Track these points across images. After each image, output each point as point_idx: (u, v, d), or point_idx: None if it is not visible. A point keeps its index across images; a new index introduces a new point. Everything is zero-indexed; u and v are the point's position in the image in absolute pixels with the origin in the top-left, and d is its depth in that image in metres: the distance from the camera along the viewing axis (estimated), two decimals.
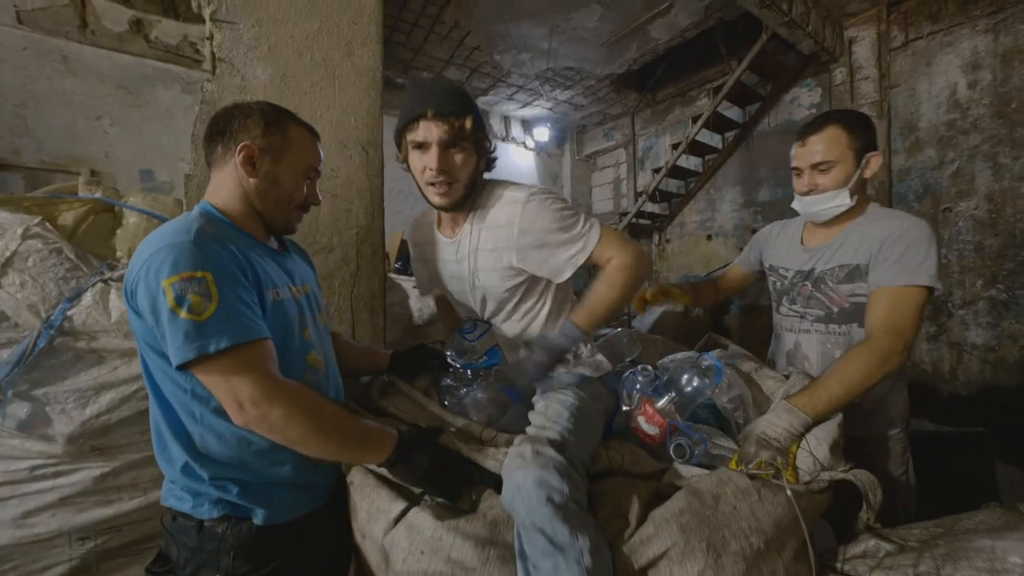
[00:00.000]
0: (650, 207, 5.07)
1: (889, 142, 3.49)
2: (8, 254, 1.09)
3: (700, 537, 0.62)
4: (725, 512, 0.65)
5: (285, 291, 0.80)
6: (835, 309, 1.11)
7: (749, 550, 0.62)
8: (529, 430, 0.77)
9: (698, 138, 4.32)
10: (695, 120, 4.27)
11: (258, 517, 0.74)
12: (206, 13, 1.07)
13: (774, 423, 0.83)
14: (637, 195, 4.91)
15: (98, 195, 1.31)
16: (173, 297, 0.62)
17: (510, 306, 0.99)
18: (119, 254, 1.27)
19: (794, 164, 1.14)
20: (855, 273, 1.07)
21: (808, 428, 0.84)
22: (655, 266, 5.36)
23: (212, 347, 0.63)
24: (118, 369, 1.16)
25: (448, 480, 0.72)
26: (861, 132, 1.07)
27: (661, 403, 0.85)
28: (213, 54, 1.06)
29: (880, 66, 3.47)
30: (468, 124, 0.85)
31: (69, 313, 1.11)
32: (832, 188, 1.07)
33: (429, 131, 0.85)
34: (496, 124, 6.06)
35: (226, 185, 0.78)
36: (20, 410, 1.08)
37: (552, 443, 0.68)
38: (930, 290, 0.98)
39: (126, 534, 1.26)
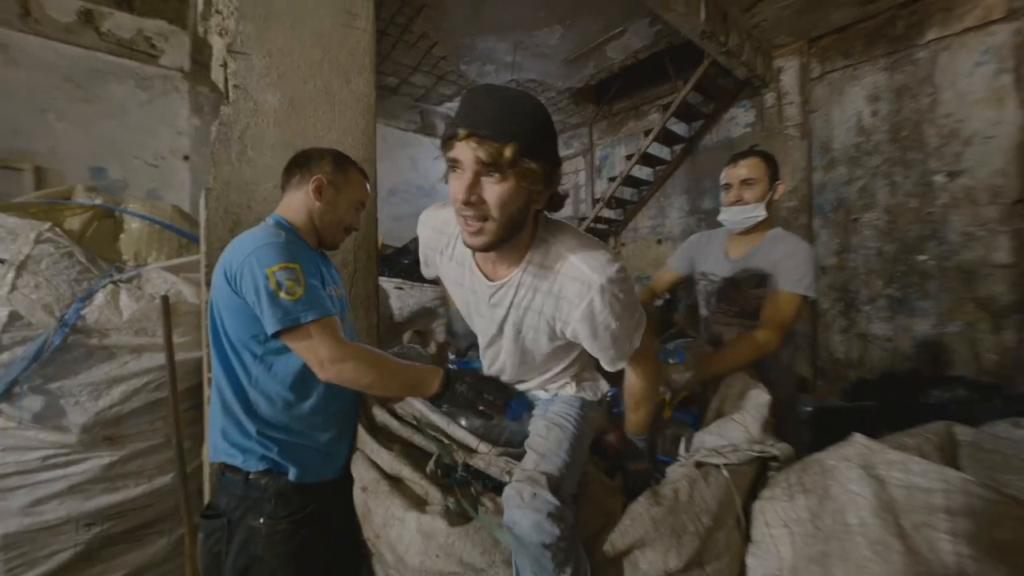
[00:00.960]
0: (607, 213, 5.43)
1: (810, 160, 4.00)
2: (22, 257, 1.16)
3: (665, 524, 0.75)
4: (683, 501, 0.79)
5: (332, 289, 1.01)
6: (748, 308, 1.43)
7: (702, 529, 0.77)
8: (529, 455, 0.83)
9: (649, 150, 4.70)
10: (647, 134, 4.64)
11: (292, 474, 0.91)
12: (222, 43, 1.20)
13: (679, 377, 1.16)
14: (595, 201, 5.25)
15: (99, 201, 1.38)
16: (275, 282, 0.83)
17: (542, 359, 0.93)
18: (125, 257, 1.36)
19: (725, 181, 1.46)
20: (762, 281, 1.39)
21: (697, 381, 1.19)
22: None
23: (303, 319, 0.85)
24: (128, 364, 1.25)
25: (485, 403, 0.93)
26: (773, 165, 1.44)
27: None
28: (227, 80, 1.18)
29: (803, 93, 3.97)
30: (508, 153, 0.66)
31: (82, 312, 1.19)
32: (753, 201, 1.40)
33: (463, 153, 0.69)
34: None
35: (297, 205, 1.01)
36: (35, 403, 1.16)
37: (549, 481, 0.74)
38: (805, 297, 1.34)
39: (129, 519, 1.35)
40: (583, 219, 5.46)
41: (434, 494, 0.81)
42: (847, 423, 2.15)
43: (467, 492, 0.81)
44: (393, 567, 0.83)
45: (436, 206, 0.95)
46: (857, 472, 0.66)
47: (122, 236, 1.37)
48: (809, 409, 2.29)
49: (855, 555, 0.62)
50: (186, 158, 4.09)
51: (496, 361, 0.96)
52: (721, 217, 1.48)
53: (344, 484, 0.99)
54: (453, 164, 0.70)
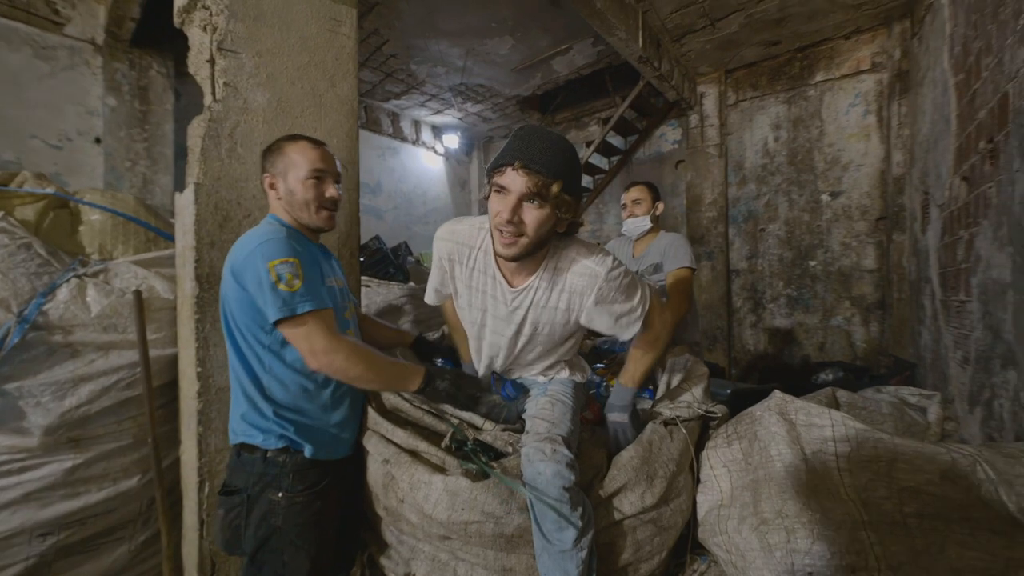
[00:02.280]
0: None
1: (726, 176, 4.57)
2: None
3: (643, 472, 0.95)
4: (655, 452, 0.99)
5: (332, 280, 1.07)
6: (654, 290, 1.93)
7: (668, 473, 0.97)
8: (539, 423, 0.97)
9: (590, 160, 5.06)
10: (588, 144, 4.99)
11: (307, 451, 0.98)
12: (207, 39, 1.20)
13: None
14: None
15: (51, 190, 1.28)
16: (276, 274, 0.89)
17: (551, 347, 1.08)
18: (89, 250, 1.28)
19: (623, 202, 2.06)
20: (657, 268, 1.91)
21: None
22: None
23: (299, 310, 0.91)
24: (95, 362, 1.21)
25: (464, 397, 1.04)
26: (654, 190, 2.03)
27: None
28: (214, 77, 1.19)
29: (720, 117, 4.53)
30: (555, 188, 0.84)
31: (44, 308, 1.13)
32: (641, 215, 1.97)
33: (513, 180, 0.84)
34: (407, 128, 6.18)
35: (274, 206, 1.06)
36: None
37: (564, 441, 0.91)
38: (692, 269, 1.84)
39: (90, 527, 1.29)
40: None
41: (451, 461, 0.93)
42: (757, 402, 2.55)
43: (479, 458, 0.94)
44: (418, 526, 0.95)
45: (451, 222, 1.07)
46: (776, 417, 0.90)
47: (81, 228, 1.28)
48: (728, 392, 2.67)
49: (776, 476, 0.85)
50: (98, 141, 3.67)
51: (500, 355, 1.08)
52: (623, 229, 2.06)
53: (351, 462, 1.09)
54: (499, 188, 0.87)
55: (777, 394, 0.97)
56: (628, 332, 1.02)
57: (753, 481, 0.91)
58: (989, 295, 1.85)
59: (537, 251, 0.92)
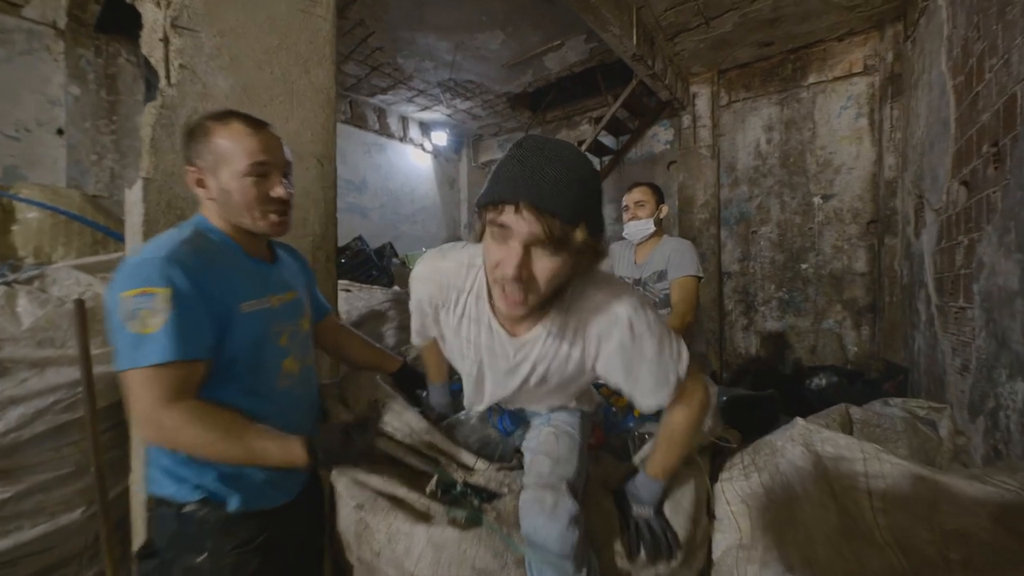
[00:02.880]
0: None
1: (719, 178, 4.53)
2: None
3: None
4: (675, 503, 0.86)
5: (263, 302, 0.84)
6: (656, 300, 1.82)
7: (689, 525, 0.83)
8: (542, 460, 0.82)
9: None
10: (580, 144, 4.90)
11: (233, 503, 0.79)
12: (160, 14, 1.06)
13: None
14: None
15: None
16: (125, 310, 0.68)
17: (563, 391, 0.89)
18: (22, 254, 1.12)
19: (624, 204, 1.92)
20: (662, 275, 1.80)
21: None
22: None
23: (142, 361, 0.68)
24: (28, 381, 1.06)
25: (354, 452, 0.84)
26: (658, 192, 1.91)
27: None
28: (168, 58, 1.06)
29: (713, 118, 4.48)
30: (579, 235, 0.62)
31: None
32: (645, 218, 1.85)
33: (518, 223, 0.61)
34: (394, 124, 6.02)
35: (205, 206, 0.85)
36: None
37: (569, 485, 0.76)
38: (698, 277, 1.75)
39: (23, 568, 1.14)
40: None
41: (436, 508, 0.79)
42: (753, 408, 2.48)
43: (470, 502, 0.80)
44: None
45: (434, 257, 0.84)
46: (800, 449, 0.81)
47: (15, 228, 1.13)
48: (724, 399, 2.60)
49: (802, 517, 0.76)
50: (60, 132, 3.44)
51: (502, 400, 0.89)
52: (624, 232, 1.94)
53: (302, 505, 0.91)
54: (499, 226, 0.62)
55: (800, 423, 0.88)
56: (651, 398, 0.77)
57: (775, 520, 0.81)
58: (993, 302, 1.80)
59: (548, 303, 0.72)
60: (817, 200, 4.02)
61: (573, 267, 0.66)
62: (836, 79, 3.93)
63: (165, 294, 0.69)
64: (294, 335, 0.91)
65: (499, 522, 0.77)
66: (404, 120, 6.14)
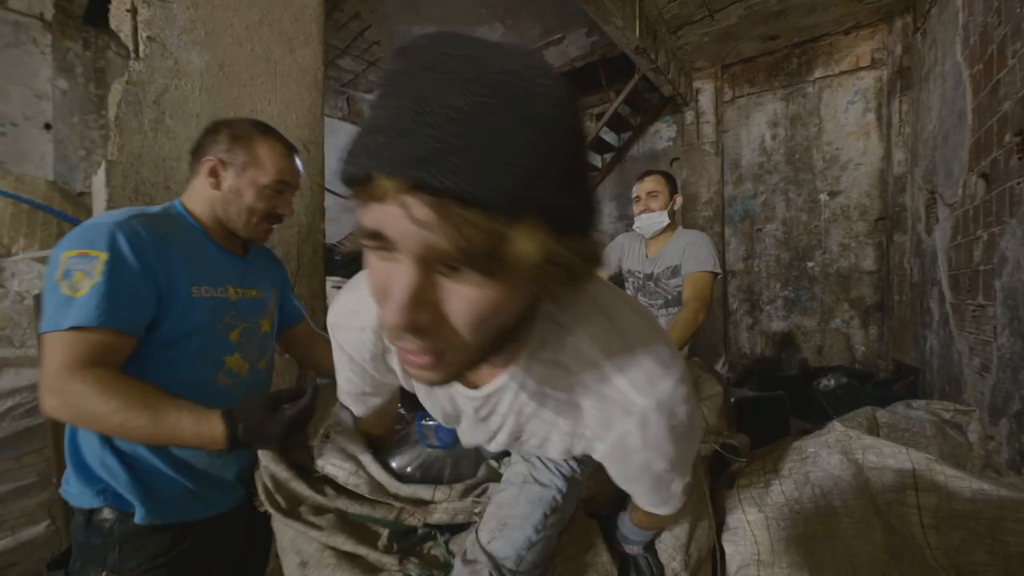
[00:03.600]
0: None
1: (722, 174, 4.44)
2: None
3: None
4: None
5: (218, 291, 0.80)
6: (669, 297, 1.72)
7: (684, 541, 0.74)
8: (491, 518, 0.65)
9: None
10: None
11: (139, 514, 0.71)
12: None
13: None
14: None
15: None
16: (62, 269, 0.65)
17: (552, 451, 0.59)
18: None
19: (635, 195, 1.76)
20: (676, 271, 1.69)
21: None
22: None
23: (63, 323, 0.64)
24: None
25: (272, 438, 0.71)
26: (672, 181, 1.76)
27: None
28: (136, 30, 0.97)
29: (717, 113, 4.40)
30: (533, 239, 0.29)
31: None
32: (658, 209, 1.70)
33: (399, 223, 0.29)
34: None
35: (198, 192, 0.82)
36: None
37: (499, 569, 0.60)
38: (715, 274, 1.63)
39: None
40: None
41: (390, 561, 0.66)
42: (762, 410, 2.40)
43: (430, 556, 0.68)
44: None
45: (342, 299, 0.56)
46: (838, 458, 0.72)
47: None
48: (733, 400, 2.52)
49: (842, 535, 0.67)
50: (48, 127, 3.36)
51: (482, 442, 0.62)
52: (635, 226, 1.77)
53: (239, 516, 0.81)
54: (372, 237, 0.32)
55: (837, 427, 0.79)
56: (650, 501, 0.56)
57: (805, 536, 0.72)
58: (1019, 299, 1.71)
59: (500, 349, 0.40)
60: (823, 197, 3.93)
61: (531, 295, 0.36)
62: (843, 73, 3.85)
63: (103, 258, 0.66)
64: (249, 333, 0.86)
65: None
66: None
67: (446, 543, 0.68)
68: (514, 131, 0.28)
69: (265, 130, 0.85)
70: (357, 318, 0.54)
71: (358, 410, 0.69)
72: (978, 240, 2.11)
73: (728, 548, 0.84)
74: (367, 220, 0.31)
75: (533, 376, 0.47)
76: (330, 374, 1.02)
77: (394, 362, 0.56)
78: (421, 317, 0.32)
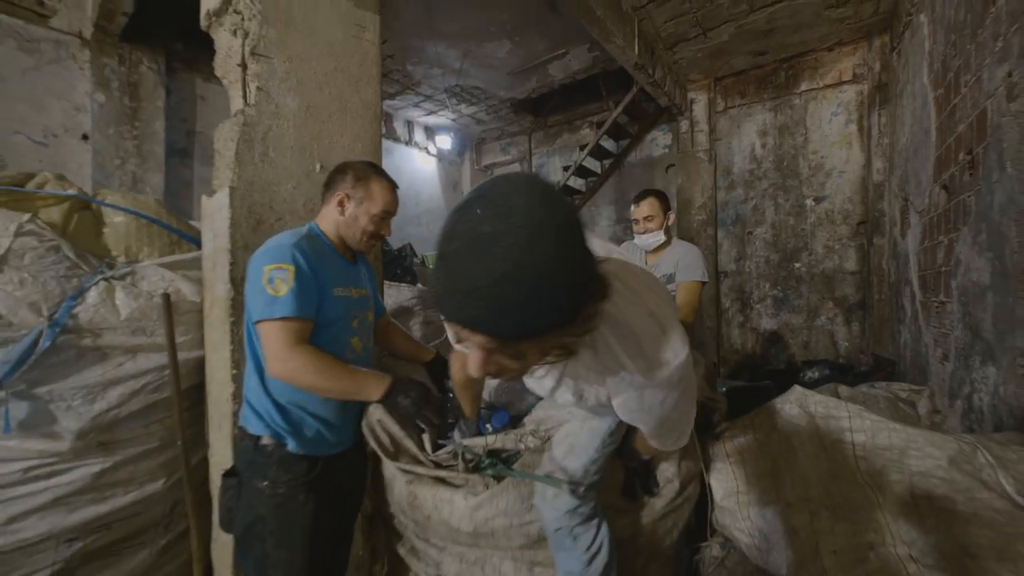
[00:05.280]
0: None
1: (715, 180, 4.72)
2: (2, 251, 1.06)
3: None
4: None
5: (347, 291, 1.11)
6: None
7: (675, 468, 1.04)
8: (558, 447, 0.95)
9: (584, 163, 5.15)
10: (582, 147, 5.08)
11: (290, 445, 1.01)
12: (237, 43, 1.21)
13: None
14: None
15: (73, 192, 1.27)
16: (268, 277, 0.95)
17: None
18: (115, 253, 1.27)
19: (633, 217, 2.06)
20: (671, 278, 1.96)
21: None
22: None
23: (275, 314, 0.94)
24: (124, 365, 1.21)
25: (423, 420, 1.05)
26: (665, 200, 2.04)
27: None
28: (246, 81, 1.21)
29: (710, 123, 4.67)
30: (545, 341, 0.50)
31: (74, 311, 1.13)
32: (655, 230, 1.99)
33: (462, 332, 0.49)
34: (400, 128, 6.17)
35: (328, 216, 1.11)
36: (20, 410, 1.08)
37: (571, 481, 0.90)
38: (703, 282, 1.93)
39: (115, 531, 1.29)
40: None
41: (471, 477, 1.00)
42: (752, 400, 2.67)
43: (496, 466, 1.01)
44: (446, 536, 1.01)
45: None
46: (796, 410, 0.98)
47: (106, 231, 1.27)
48: (724, 389, 2.78)
49: (798, 465, 0.92)
50: (85, 138, 3.57)
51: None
52: (636, 242, 2.08)
53: (347, 460, 1.12)
54: (458, 341, 0.59)
55: (797, 389, 1.05)
56: (642, 420, 0.72)
57: (773, 469, 0.98)
58: (969, 297, 1.98)
59: None
60: (809, 202, 4.22)
61: (563, 348, 0.54)
62: (827, 87, 4.13)
63: (291, 270, 0.96)
64: (362, 322, 1.16)
65: (522, 468, 0.98)
66: (410, 124, 6.29)
67: (507, 464, 1.00)
68: (514, 295, 0.43)
69: (377, 171, 1.13)
70: None
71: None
72: (940, 244, 2.38)
73: (714, 483, 1.10)
74: (452, 331, 0.57)
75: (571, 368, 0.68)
76: (399, 352, 1.31)
77: None
78: (491, 371, 0.53)
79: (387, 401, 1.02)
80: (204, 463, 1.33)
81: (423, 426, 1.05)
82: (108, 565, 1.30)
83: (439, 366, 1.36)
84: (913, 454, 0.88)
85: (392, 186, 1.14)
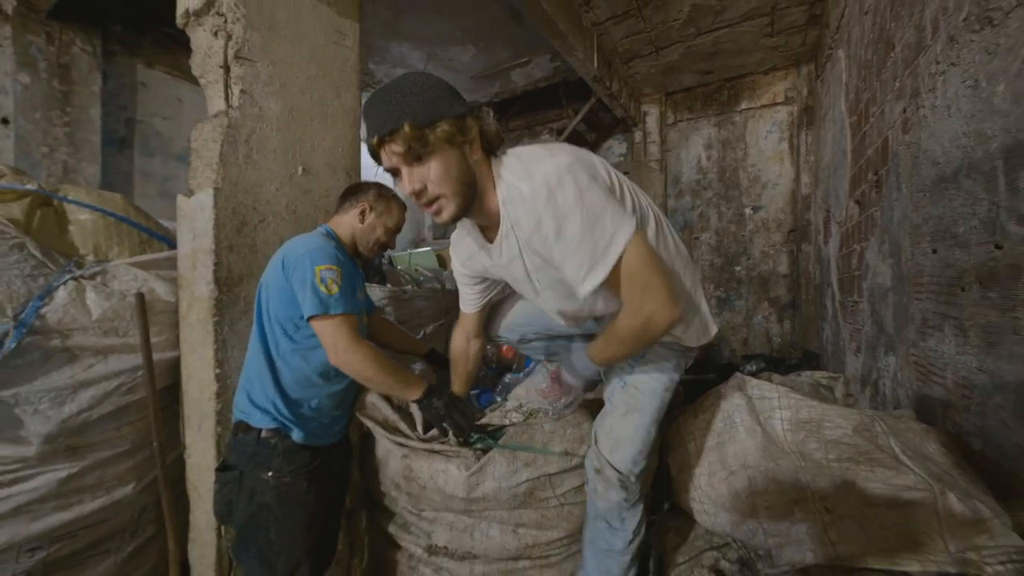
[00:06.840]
0: None
1: (666, 188, 5.05)
2: None
3: None
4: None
5: (362, 292, 1.21)
6: None
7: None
8: (606, 438, 1.02)
9: None
10: None
11: (296, 436, 1.08)
12: (219, 45, 1.22)
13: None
14: None
15: (32, 187, 1.20)
16: (320, 277, 1.01)
17: (570, 291, 0.83)
18: (84, 252, 1.22)
19: None
20: None
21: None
22: None
23: (332, 311, 1.04)
24: (94, 367, 1.18)
25: (450, 423, 1.14)
26: None
27: None
28: (229, 84, 1.22)
29: (661, 135, 5.00)
30: (407, 130, 0.70)
31: (42, 311, 1.09)
32: None
33: (387, 157, 0.75)
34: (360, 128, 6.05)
35: (345, 223, 1.20)
36: None
37: (620, 476, 0.98)
38: None
39: (80, 539, 1.26)
40: None
41: (461, 450, 1.11)
42: (697, 390, 2.92)
43: (483, 438, 1.13)
44: (440, 504, 1.09)
45: (452, 248, 1.10)
46: (738, 392, 1.15)
47: (71, 228, 1.21)
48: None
49: (739, 439, 1.09)
50: (6, 121, 3.26)
51: (553, 318, 1.01)
52: None
53: (339, 448, 1.20)
54: (393, 172, 0.78)
55: (739, 375, 1.23)
56: (579, 281, 0.75)
57: (719, 444, 1.15)
58: (876, 297, 2.31)
59: (473, 195, 0.79)
60: (748, 211, 4.63)
61: (456, 158, 0.76)
62: (763, 106, 4.56)
63: (339, 270, 1.06)
64: (362, 321, 1.24)
65: (508, 440, 1.11)
66: None
67: (495, 436, 1.13)
68: (395, 99, 0.73)
69: (392, 193, 1.27)
70: (453, 247, 1.08)
71: (469, 309, 1.15)
72: (854, 251, 2.74)
73: (670, 461, 1.26)
74: (385, 166, 0.78)
75: (509, 215, 0.81)
76: (395, 347, 1.40)
77: (475, 267, 1.04)
78: (417, 186, 0.76)
79: (423, 401, 1.12)
80: (177, 464, 1.31)
81: (449, 427, 1.11)
82: (72, 575, 1.25)
83: (436, 358, 1.47)
84: (827, 425, 1.07)
85: (405, 208, 1.28)
